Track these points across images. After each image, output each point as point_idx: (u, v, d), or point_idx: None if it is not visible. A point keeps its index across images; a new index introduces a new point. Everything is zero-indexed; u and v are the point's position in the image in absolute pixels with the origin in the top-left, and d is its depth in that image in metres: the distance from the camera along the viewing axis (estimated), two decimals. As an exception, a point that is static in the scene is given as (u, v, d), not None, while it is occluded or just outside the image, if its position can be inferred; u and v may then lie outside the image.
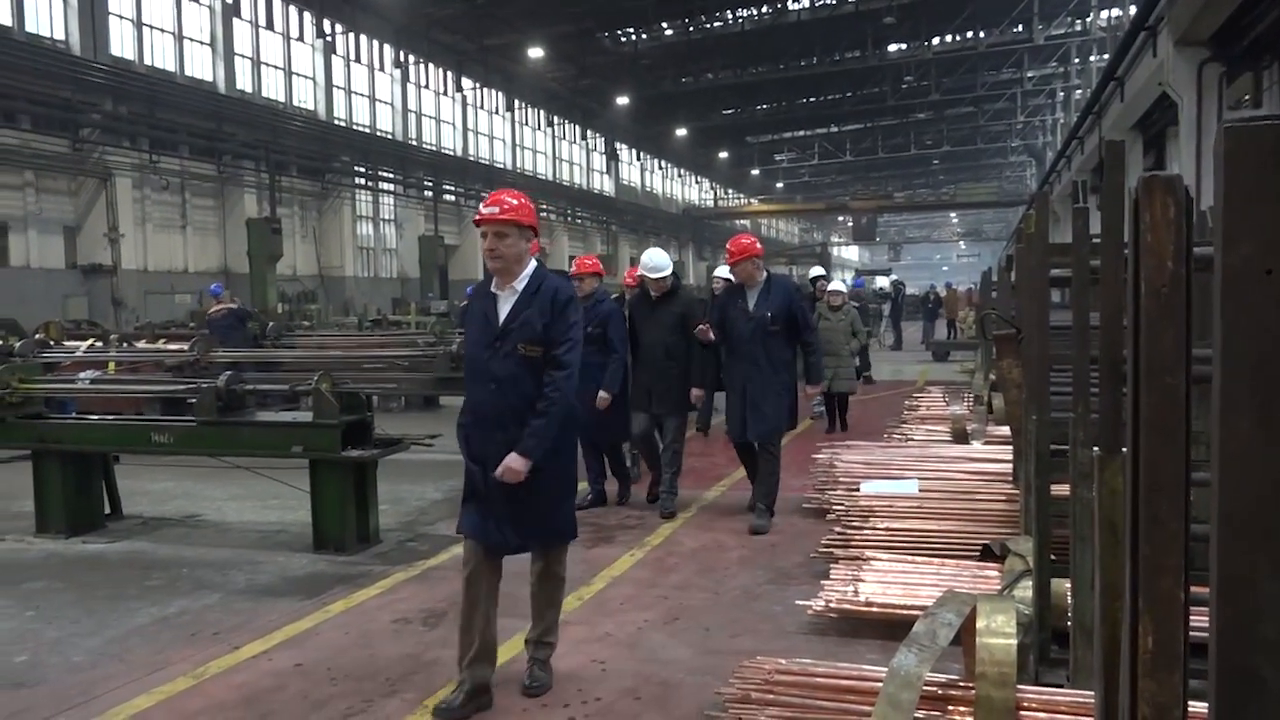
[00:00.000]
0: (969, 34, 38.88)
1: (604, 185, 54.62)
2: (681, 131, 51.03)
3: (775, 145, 59.89)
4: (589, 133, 52.33)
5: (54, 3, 24.03)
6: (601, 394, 6.95)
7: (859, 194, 58.81)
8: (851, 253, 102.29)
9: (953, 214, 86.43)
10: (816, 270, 14.30)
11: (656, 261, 7.36)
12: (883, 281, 41.63)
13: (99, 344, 13.41)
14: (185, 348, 10.16)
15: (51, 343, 12.86)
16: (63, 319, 19.21)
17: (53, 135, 23.23)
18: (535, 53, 36.95)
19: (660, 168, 62.18)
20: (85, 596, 5.44)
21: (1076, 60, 35.76)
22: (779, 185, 69.28)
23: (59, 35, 24.07)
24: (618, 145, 55.01)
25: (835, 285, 12.23)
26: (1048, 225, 3.85)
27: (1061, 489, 3.57)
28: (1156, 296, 1.30)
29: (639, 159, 59.46)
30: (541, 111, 47.66)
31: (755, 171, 64.60)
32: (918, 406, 10.23)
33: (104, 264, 24.45)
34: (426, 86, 39.19)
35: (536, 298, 3.87)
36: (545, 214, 41.86)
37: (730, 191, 73.24)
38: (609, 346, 7.00)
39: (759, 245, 6.94)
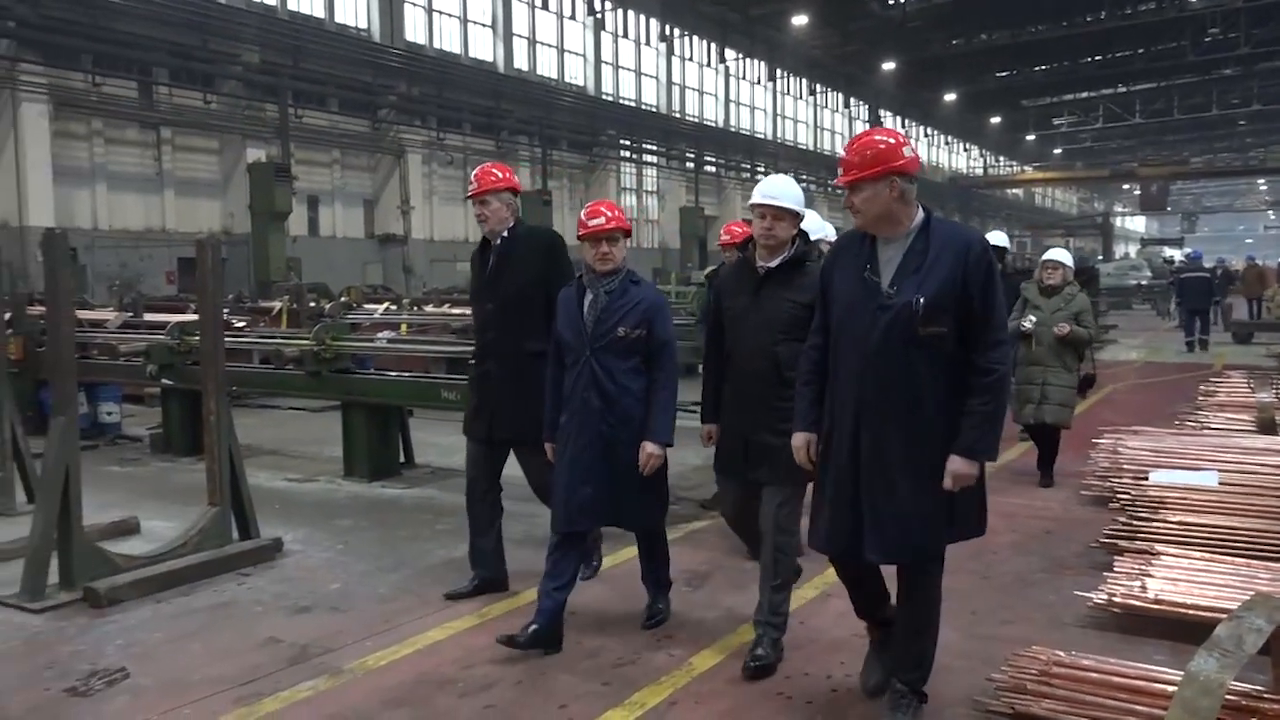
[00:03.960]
0: (1291, -23, 34.56)
1: (866, 154, 53.08)
2: (950, 97, 48.86)
3: (1054, 109, 55.98)
4: (852, 100, 51.07)
5: (358, -6, 26.19)
6: (650, 448, 4.14)
7: (1148, 160, 54.00)
8: (1137, 223, 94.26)
9: (1261, 180, 77.61)
10: (998, 237, 8.82)
11: (781, 187, 4.03)
12: (1173, 253, 37.98)
13: (393, 307, 14.75)
14: (469, 312, 10.90)
15: (354, 305, 14.29)
16: (362, 284, 21.18)
17: (355, 116, 25.50)
18: (799, 20, 36.49)
19: (926, 135, 59.74)
20: (387, 536, 6.01)
21: None
22: (1056, 151, 64.85)
23: (361, 24, 26.28)
24: (881, 113, 53.35)
25: (1056, 253, 7.64)
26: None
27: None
28: None
29: (903, 126, 57.42)
30: (804, 80, 47.01)
31: (1030, 137, 60.71)
32: (1215, 392, 9.34)
33: (396, 234, 26.70)
34: (690, 59, 39.62)
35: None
36: (805, 185, 41.38)
37: (1001, 159, 69.31)
38: (654, 361, 4.21)
39: (904, 148, 3.28)
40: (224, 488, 5.46)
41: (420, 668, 4.02)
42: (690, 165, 36.96)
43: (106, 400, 9.43)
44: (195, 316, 8.94)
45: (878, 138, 3.29)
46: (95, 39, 19.69)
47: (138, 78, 21.19)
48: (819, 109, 49.02)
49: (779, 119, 45.47)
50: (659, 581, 4.57)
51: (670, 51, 38.10)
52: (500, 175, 4.80)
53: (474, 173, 4.88)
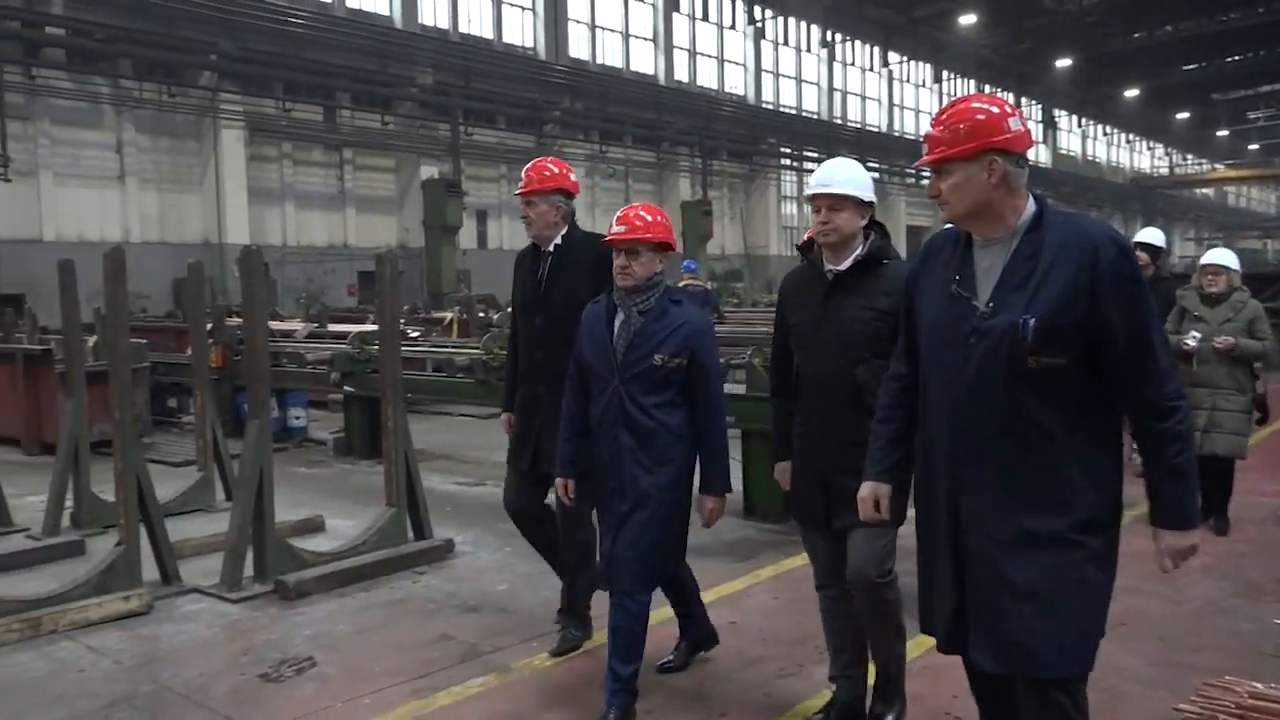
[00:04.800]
0: None
1: (1039, 155, 51.03)
2: (1131, 93, 46.33)
3: (1248, 101, 52.20)
4: (1023, 100, 49.08)
5: (524, 15, 27.08)
6: (709, 503, 3.69)
7: (1360, 153, 49.55)
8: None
9: None
10: (1150, 235, 7.22)
11: (838, 170, 3.32)
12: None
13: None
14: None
15: (520, 316, 14.70)
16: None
17: (521, 132, 26.31)
18: (968, 19, 35.39)
19: (1104, 134, 56.82)
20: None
21: None
22: (1252, 147, 60.40)
23: (528, 43, 27.12)
24: (1055, 112, 51.06)
25: (1217, 255, 6.26)
26: None
27: None
28: None
29: (1079, 126, 54.78)
30: (971, 81, 45.54)
31: (1222, 133, 56.80)
32: None
33: (560, 246, 27.32)
34: (852, 64, 39.04)
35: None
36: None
37: (1189, 157, 65.11)
38: (697, 395, 3.63)
39: (1010, 119, 2.50)
40: (400, 490, 5.73)
41: (582, 670, 4.10)
42: (852, 171, 36.35)
43: (294, 405, 10.04)
44: (374, 327, 9.44)
45: (975, 105, 2.51)
46: (286, 68, 21.10)
47: (323, 102, 22.54)
48: (988, 110, 47.35)
49: None
50: (688, 616, 4.11)
51: (831, 57, 37.64)
52: (552, 172, 4.28)
53: (525, 169, 4.34)
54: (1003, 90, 47.37)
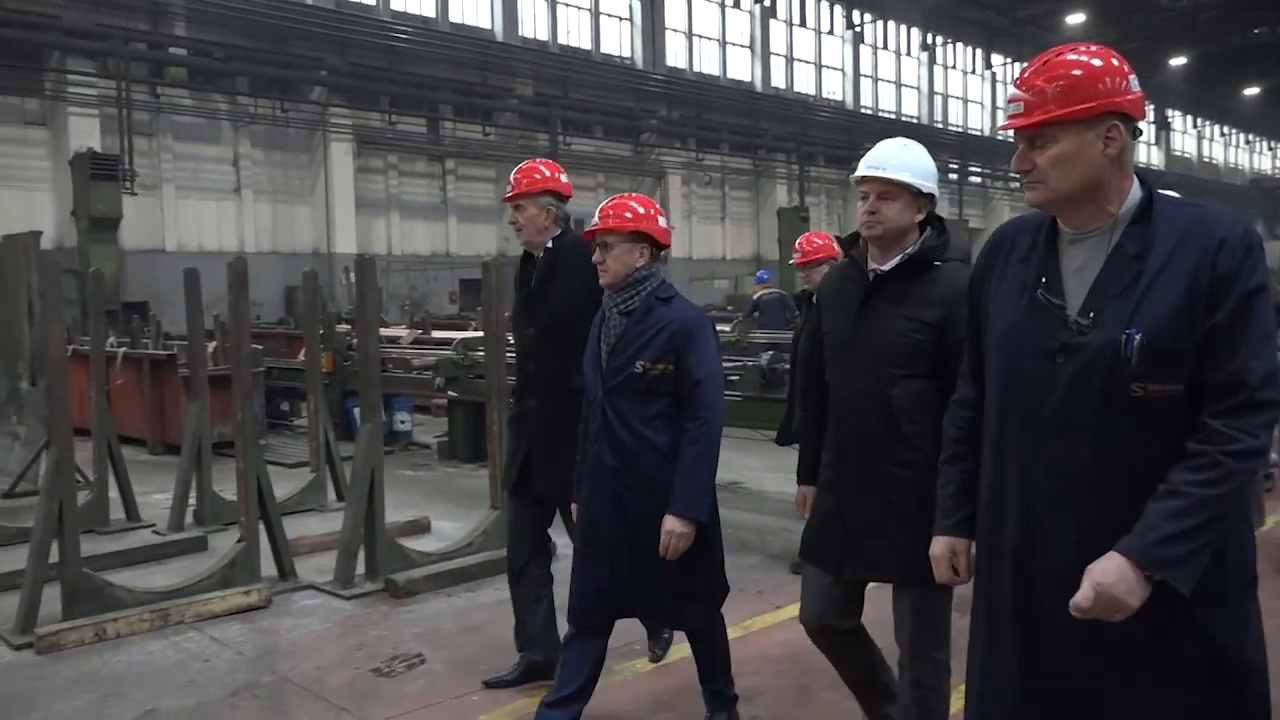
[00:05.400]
0: None
1: (1151, 158, 49.26)
2: (1251, 91, 44.28)
3: (1382, 98, 49.49)
4: (1135, 101, 47.46)
5: (622, 25, 27.34)
6: (670, 524, 3.12)
7: None
8: None
9: None
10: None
11: (891, 153, 2.78)
12: None
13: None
14: (727, 329, 11.08)
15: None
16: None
17: (618, 141, 26.56)
18: (1075, 19, 34.40)
19: (1222, 134, 54.50)
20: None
21: None
22: (1386, 146, 57.20)
23: (625, 53, 27.38)
24: (1168, 112, 49.20)
25: None
26: None
27: None
28: None
29: (1194, 126, 52.68)
30: (1079, 82, 44.18)
31: (1351, 131, 53.98)
32: None
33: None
34: (953, 67, 38.35)
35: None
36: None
37: (1317, 157, 62.00)
38: (687, 405, 3.20)
39: (1129, 77, 1.98)
40: (504, 493, 5.84)
41: (686, 675, 4.11)
42: (954, 176, 35.68)
43: (400, 410, 10.32)
44: (477, 333, 9.64)
45: (1085, 56, 1.95)
46: (392, 82, 21.75)
47: (427, 115, 23.13)
48: (1096, 112, 45.90)
49: None
50: (717, 694, 3.54)
51: (932, 60, 37.01)
52: (542, 174, 3.93)
53: (514, 171, 4.04)
54: (1112, 91, 45.88)
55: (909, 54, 36.34)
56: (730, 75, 30.23)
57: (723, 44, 30.11)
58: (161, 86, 18.92)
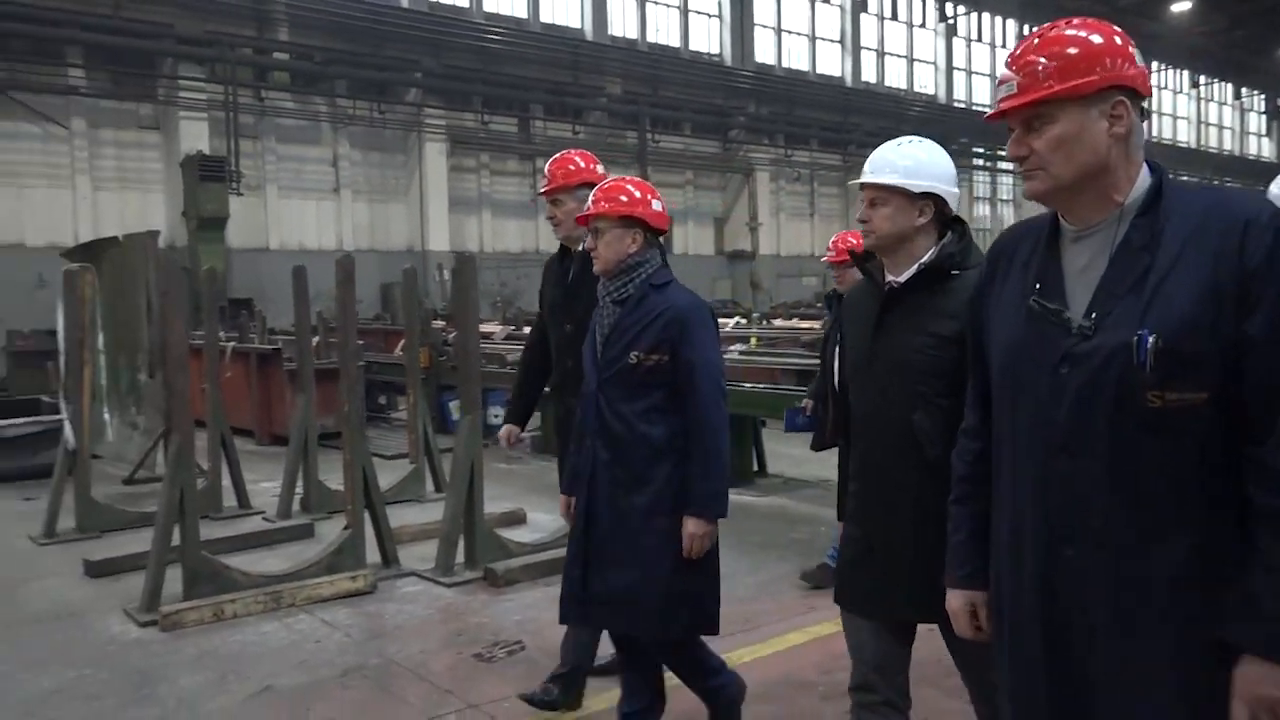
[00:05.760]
0: None
1: (1262, 149, 47.28)
2: (1375, 78, 42.07)
3: None
4: (1243, 91, 45.60)
5: (711, 22, 27.34)
6: (691, 526, 3.03)
7: None
8: None
9: None
10: None
11: (884, 157, 2.59)
12: None
13: (743, 321, 15.21)
14: (817, 326, 11.04)
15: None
16: (713, 299, 22.03)
17: (707, 138, 26.57)
18: (1180, 7, 33.27)
19: (1341, 125, 51.92)
20: (742, 541, 6.24)
21: None
22: None
23: (714, 50, 27.35)
24: (1281, 102, 47.11)
25: None
26: None
27: None
28: None
29: (1311, 116, 50.34)
30: (1184, 72, 42.64)
31: None
32: None
33: (744, 250, 27.49)
34: (1051, 58, 37.34)
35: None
36: (1185, 186, 37.62)
37: None
38: (684, 397, 3.09)
39: (1130, 52, 1.81)
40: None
41: (782, 668, 4.17)
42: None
43: (494, 404, 10.52)
44: (569, 330, 9.78)
45: (1081, 32, 1.80)
46: (485, 83, 22.13)
47: (518, 114, 23.48)
48: (1203, 103, 44.17)
49: (1158, 115, 41.53)
50: (709, 691, 3.35)
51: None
52: (578, 165, 3.87)
53: (548, 164, 3.96)
54: (1220, 80, 44.17)
55: (1004, 46, 35.46)
56: (820, 70, 29.96)
57: (812, 39, 29.84)
58: (265, 90, 19.59)
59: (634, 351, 3.04)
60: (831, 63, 30.37)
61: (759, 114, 27.34)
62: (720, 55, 27.42)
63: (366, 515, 5.57)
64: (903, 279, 2.54)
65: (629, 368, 3.04)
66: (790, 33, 29.26)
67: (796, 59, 29.50)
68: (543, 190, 3.93)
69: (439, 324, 11.56)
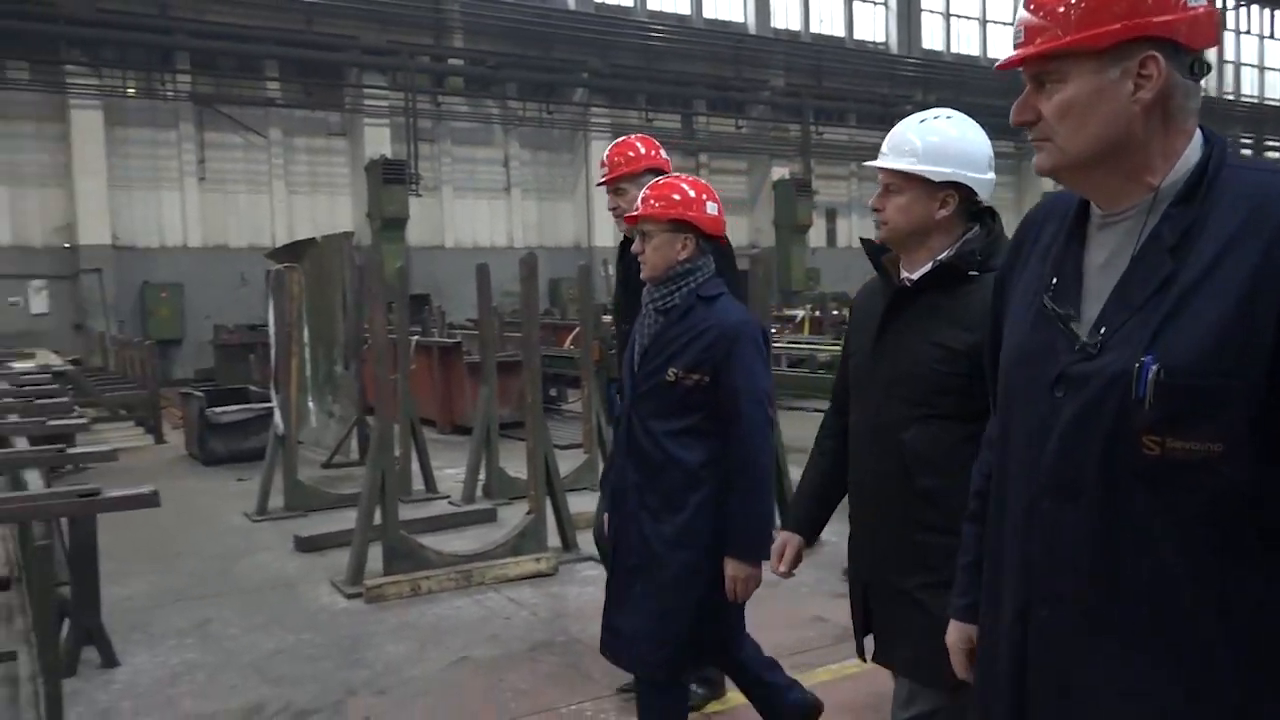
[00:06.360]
0: None
1: None
2: None
3: None
4: None
5: (876, 10, 26.84)
6: (732, 569, 2.79)
7: None
8: None
9: None
10: None
11: (901, 135, 2.23)
12: None
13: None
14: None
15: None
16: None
17: (871, 128, 26.09)
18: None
19: None
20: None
21: None
22: None
23: (879, 38, 26.84)
24: None
25: None
26: None
27: None
28: None
29: None
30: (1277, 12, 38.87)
31: None
32: None
33: (909, 242, 26.89)
34: (1247, 31, 34.81)
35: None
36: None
37: None
38: (726, 426, 2.80)
39: None
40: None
41: (870, 683, 4.14)
42: (1247, 152, 32.45)
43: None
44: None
45: None
46: (649, 80, 22.47)
47: (681, 110, 23.71)
48: None
49: (1234, 67, 38.09)
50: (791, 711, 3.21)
51: (1222, 26, 33.77)
52: (639, 151, 3.59)
53: (606, 151, 3.70)
54: None
55: (1273, 37, 33.35)
56: (991, 55, 28.95)
57: (983, 23, 28.86)
58: (441, 95, 20.52)
59: (672, 368, 2.78)
60: (1004, 47, 29.24)
61: (926, 102, 26.59)
62: (886, 43, 26.89)
63: (548, 501, 5.85)
64: (914, 277, 2.21)
65: (666, 384, 2.79)
66: (959, 17, 28.39)
67: (966, 44, 28.60)
68: (602, 180, 3.66)
69: (606, 319, 11.86)
